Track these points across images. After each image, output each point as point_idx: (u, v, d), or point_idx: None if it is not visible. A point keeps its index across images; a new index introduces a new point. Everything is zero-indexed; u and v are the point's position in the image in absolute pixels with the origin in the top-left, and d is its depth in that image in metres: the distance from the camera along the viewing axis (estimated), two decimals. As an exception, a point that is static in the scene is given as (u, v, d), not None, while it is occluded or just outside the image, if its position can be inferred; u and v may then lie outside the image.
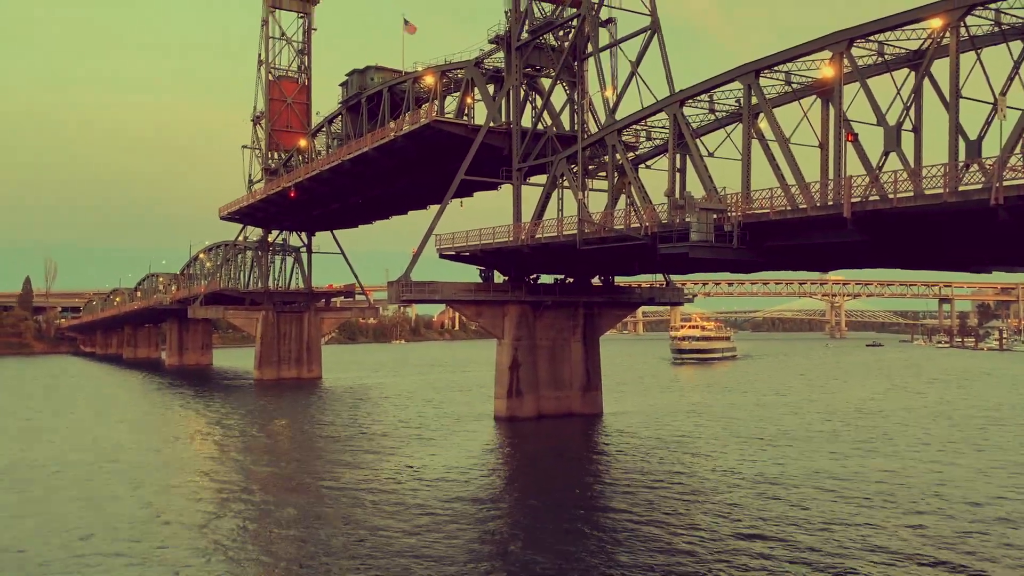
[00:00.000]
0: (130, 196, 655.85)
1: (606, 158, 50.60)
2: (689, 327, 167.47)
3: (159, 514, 32.07)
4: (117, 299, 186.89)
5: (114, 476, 40.39)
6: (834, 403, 73.91)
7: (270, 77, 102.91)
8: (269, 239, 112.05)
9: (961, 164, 31.25)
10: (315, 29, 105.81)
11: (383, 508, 32.71)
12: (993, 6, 31.28)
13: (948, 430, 55.86)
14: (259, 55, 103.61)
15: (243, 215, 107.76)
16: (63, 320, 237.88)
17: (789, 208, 36.07)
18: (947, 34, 31.53)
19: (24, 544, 27.82)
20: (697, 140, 43.33)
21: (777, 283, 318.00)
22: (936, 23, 31.95)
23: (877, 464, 42.32)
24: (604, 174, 52.09)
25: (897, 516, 31.12)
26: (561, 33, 57.43)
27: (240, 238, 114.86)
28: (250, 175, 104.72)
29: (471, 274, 61.38)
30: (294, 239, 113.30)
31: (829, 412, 66.40)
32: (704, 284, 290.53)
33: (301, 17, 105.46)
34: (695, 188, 42.32)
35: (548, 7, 57.17)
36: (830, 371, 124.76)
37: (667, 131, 45.65)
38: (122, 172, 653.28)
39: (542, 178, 57.94)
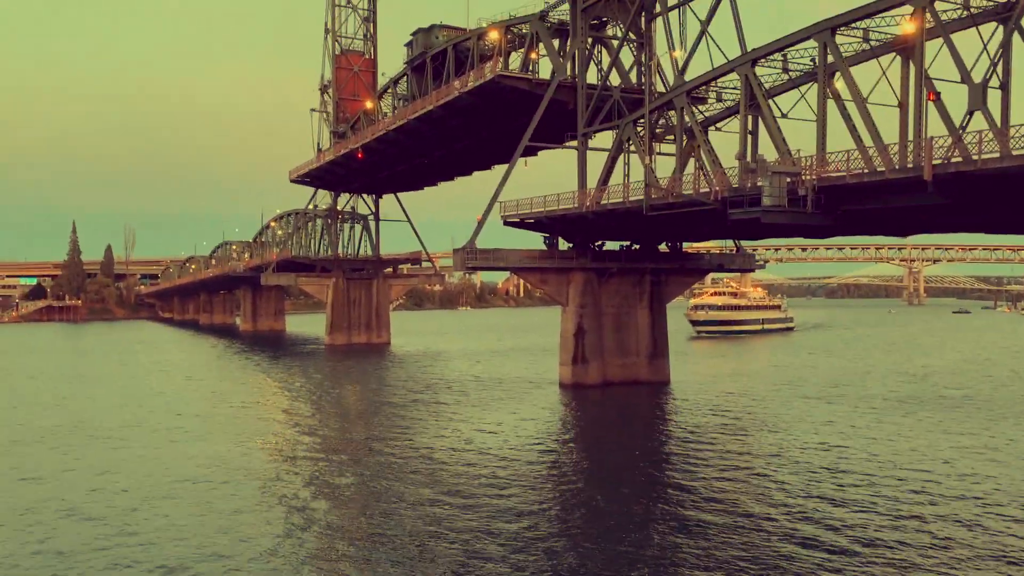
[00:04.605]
0: (201, 163, 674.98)
1: (675, 120, 49.51)
2: (710, 294, 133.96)
3: (229, 470, 33.13)
4: (192, 267, 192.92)
5: (186, 433, 42.02)
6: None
7: (336, 49, 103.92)
8: (338, 207, 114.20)
9: (1054, 122, 29.60)
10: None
11: (447, 474, 33.12)
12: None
13: None
14: (325, 23, 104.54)
15: (312, 178, 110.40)
16: (142, 287, 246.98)
17: (866, 171, 34.81)
18: (1041, -17, 29.75)
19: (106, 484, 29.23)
20: (770, 101, 41.93)
21: (853, 248, 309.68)
22: (1029, -28, 30.17)
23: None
24: (672, 137, 51.01)
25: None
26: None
27: (310, 206, 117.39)
28: (318, 142, 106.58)
29: (536, 241, 61.26)
30: (362, 206, 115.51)
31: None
32: (776, 250, 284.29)
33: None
34: (767, 151, 41.14)
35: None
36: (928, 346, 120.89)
37: (738, 92, 44.36)
38: (193, 141, 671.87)
39: (608, 138, 57.03)
